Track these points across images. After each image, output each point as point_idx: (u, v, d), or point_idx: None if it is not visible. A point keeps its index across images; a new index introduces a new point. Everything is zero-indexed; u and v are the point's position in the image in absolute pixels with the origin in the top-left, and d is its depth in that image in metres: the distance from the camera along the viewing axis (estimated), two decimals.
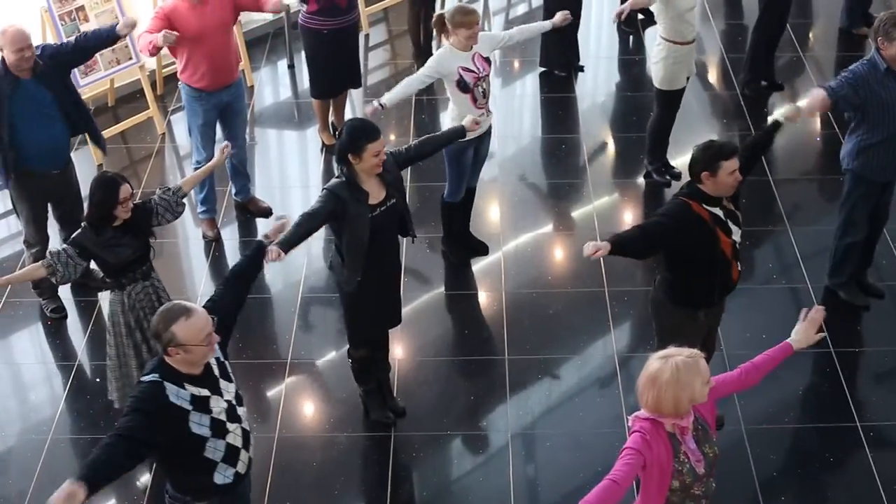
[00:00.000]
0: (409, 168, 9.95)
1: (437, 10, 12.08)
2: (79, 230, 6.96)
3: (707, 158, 6.49)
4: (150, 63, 11.25)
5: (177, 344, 5.29)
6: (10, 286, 6.91)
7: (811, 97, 7.77)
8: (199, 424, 5.40)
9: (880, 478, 7.29)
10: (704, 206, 6.55)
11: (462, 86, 8.32)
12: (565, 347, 8.38)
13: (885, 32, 7.67)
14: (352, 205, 6.80)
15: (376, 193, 6.93)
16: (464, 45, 8.28)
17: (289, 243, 6.65)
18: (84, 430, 7.84)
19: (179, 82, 9.08)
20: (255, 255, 6.36)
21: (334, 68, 10.28)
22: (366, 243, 6.90)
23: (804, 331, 5.89)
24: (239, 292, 6.10)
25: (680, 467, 5.26)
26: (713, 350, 7.40)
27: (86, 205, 7.06)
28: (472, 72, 8.31)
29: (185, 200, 7.37)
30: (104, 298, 8.38)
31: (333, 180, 6.93)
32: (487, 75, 8.42)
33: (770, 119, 7.43)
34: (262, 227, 9.66)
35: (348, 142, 6.79)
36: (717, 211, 6.59)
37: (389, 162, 7.04)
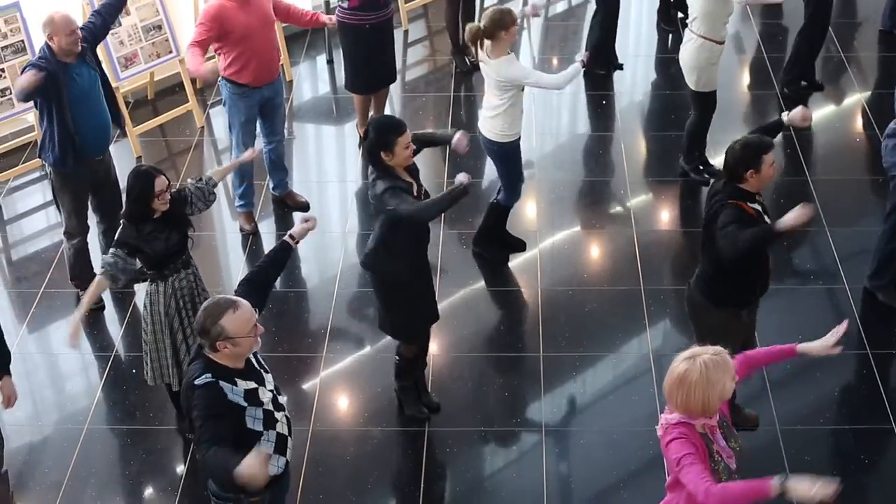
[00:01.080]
0: (448, 165, 10.03)
1: (477, 6, 12.13)
2: (119, 229, 7.00)
3: (748, 157, 6.52)
4: None
5: (226, 337, 5.32)
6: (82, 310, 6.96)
7: None
8: (253, 419, 5.45)
9: None
10: (748, 203, 6.58)
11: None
12: (600, 345, 8.37)
13: None
14: (408, 193, 6.89)
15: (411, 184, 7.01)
16: (506, 49, 8.32)
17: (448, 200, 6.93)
18: (120, 420, 7.89)
19: (221, 79, 9.10)
20: (279, 254, 6.36)
21: (374, 63, 10.29)
22: (425, 230, 7.06)
23: (822, 342, 5.82)
24: (261, 295, 6.10)
25: (715, 466, 5.25)
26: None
27: (123, 199, 7.10)
28: None
29: (216, 190, 7.43)
30: (141, 289, 8.42)
31: (386, 178, 6.89)
32: None
33: (785, 117, 7.37)
34: (299, 220, 9.65)
35: (377, 140, 6.82)
36: (757, 206, 6.62)
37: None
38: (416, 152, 7.14)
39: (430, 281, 7.43)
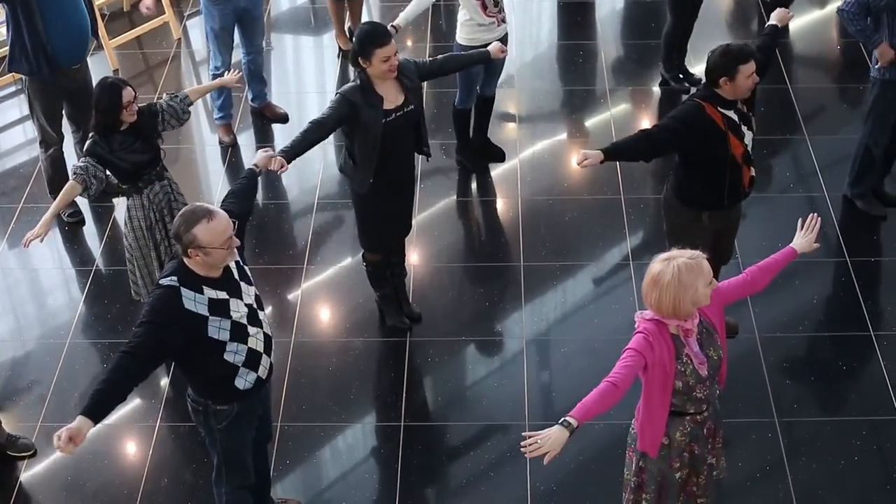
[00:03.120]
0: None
1: None
2: (89, 141, 6.97)
3: (724, 64, 6.49)
4: None
5: (197, 246, 5.29)
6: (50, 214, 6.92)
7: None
8: (218, 328, 5.42)
9: (893, 387, 7.32)
10: (719, 108, 6.56)
11: None
12: (581, 254, 8.39)
13: None
14: (364, 109, 6.80)
15: (393, 97, 6.91)
16: None
17: (293, 152, 6.74)
18: (102, 334, 7.91)
19: None
20: (249, 180, 6.34)
21: None
22: (377, 147, 6.89)
23: (804, 237, 5.89)
24: (244, 206, 6.10)
25: (683, 368, 5.29)
26: (728, 257, 7.40)
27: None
28: None
29: (191, 109, 7.37)
30: (120, 203, 8.40)
31: (348, 84, 6.92)
32: None
33: (767, 24, 7.35)
34: (279, 132, 9.65)
35: (358, 46, 6.77)
36: (732, 114, 6.60)
37: (411, 69, 7.02)
38: (434, 75, 7.28)
39: (399, 195, 7.33)
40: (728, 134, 6.59)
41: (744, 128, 6.67)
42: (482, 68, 8.62)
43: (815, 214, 5.99)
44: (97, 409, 5.14)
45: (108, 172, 6.97)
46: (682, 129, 6.58)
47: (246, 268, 5.68)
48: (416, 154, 7.31)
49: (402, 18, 8.24)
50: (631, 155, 6.80)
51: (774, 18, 7.28)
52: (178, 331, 5.31)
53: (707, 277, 5.20)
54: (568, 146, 9.50)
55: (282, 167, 6.57)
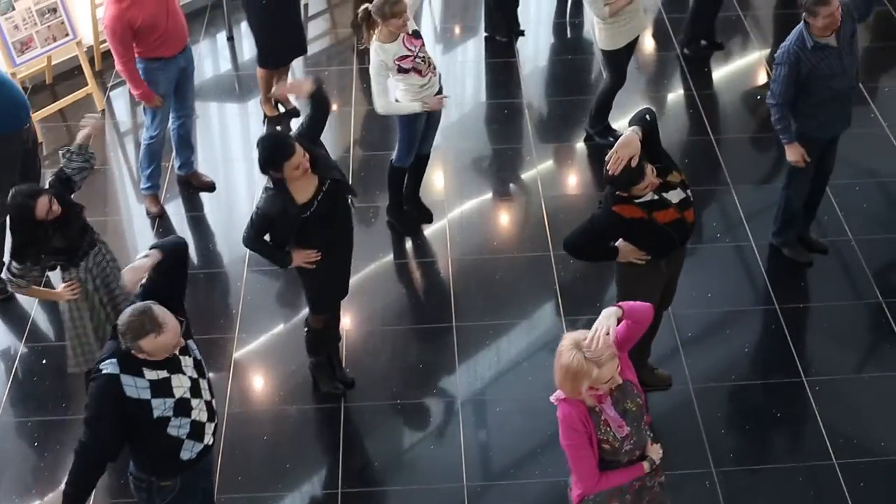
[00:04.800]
0: (353, 136, 9.99)
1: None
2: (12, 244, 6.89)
3: (620, 184, 6.46)
4: (88, 39, 11.14)
5: (139, 351, 5.27)
6: None
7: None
8: (162, 409, 5.38)
9: (827, 432, 7.38)
10: (635, 202, 6.56)
11: (403, 69, 8.30)
12: (513, 312, 8.40)
13: (809, 10, 7.69)
14: (280, 218, 6.76)
15: (306, 191, 6.81)
16: (393, 35, 8.24)
17: (278, 256, 6.98)
18: (32, 411, 7.79)
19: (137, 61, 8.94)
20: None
21: (281, 35, 10.18)
22: (292, 241, 6.92)
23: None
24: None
25: (605, 436, 5.33)
26: (671, 301, 7.41)
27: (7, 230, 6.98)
28: (407, 56, 8.26)
29: (92, 151, 7.29)
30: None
31: (264, 197, 6.82)
32: (422, 46, 8.38)
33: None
34: (207, 201, 9.61)
35: (265, 162, 6.67)
36: (649, 197, 6.57)
37: (306, 140, 6.91)
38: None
39: (341, 258, 7.31)
40: (652, 216, 6.59)
41: (665, 194, 6.64)
42: (425, 125, 8.65)
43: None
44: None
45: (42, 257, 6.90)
46: (605, 236, 6.76)
47: (191, 343, 5.62)
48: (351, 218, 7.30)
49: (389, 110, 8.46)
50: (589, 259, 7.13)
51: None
52: (122, 419, 5.30)
53: (598, 379, 5.21)
54: (496, 205, 9.54)
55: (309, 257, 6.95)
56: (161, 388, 5.37)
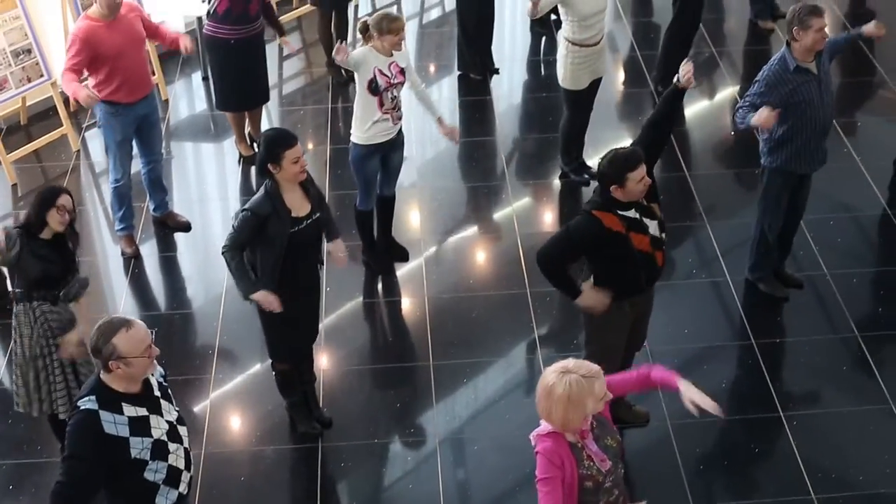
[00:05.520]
0: (329, 176, 10.00)
1: (351, 18, 12.11)
2: (14, 228, 6.95)
3: (614, 172, 6.49)
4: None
5: (118, 357, 5.23)
6: None
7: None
8: (140, 449, 5.34)
9: (805, 466, 7.38)
10: (617, 212, 6.58)
11: (373, 87, 8.32)
12: (489, 351, 8.40)
13: (800, 21, 7.74)
14: (272, 221, 6.79)
15: (300, 206, 6.92)
16: (387, 50, 8.32)
17: (250, 278, 6.92)
18: (6, 454, 7.72)
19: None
20: None
21: (242, 82, 10.22)
22: (281, 258, 6.87)
23: (698, 396, 5.82)
24: None
25: (587, 472, 5.30)
26: (642, 343, 7.44)
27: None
28: (386, 76, 8.32)
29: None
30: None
31: (255, 197, 6.90)
32: (401, 84, 8.44)
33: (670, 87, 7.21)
34: (182, 241, 9.59)
35: (266, 152, 6.79)
36: (631, 213, 6.61)
37: (311, 178, 7.04)
38: None
39: (305, 303, 7.30)
40: (629, 234, 6.61)
41: (646, 220, 6.69)
42: (380, 169, 8.68)
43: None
44: None
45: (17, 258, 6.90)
46: (579, 243, 6.68)
47: (164, 384, 5.61)
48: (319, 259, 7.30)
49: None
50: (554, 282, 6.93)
51: (682, 76, 7.11)
52: (101, 457, 5.25)
53: (598, 395, 5.20)
54: (471, 243, 9.54)
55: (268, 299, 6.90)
56: (139, 427, 5.34)
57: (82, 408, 5.29)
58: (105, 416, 5.27)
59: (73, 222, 7.03)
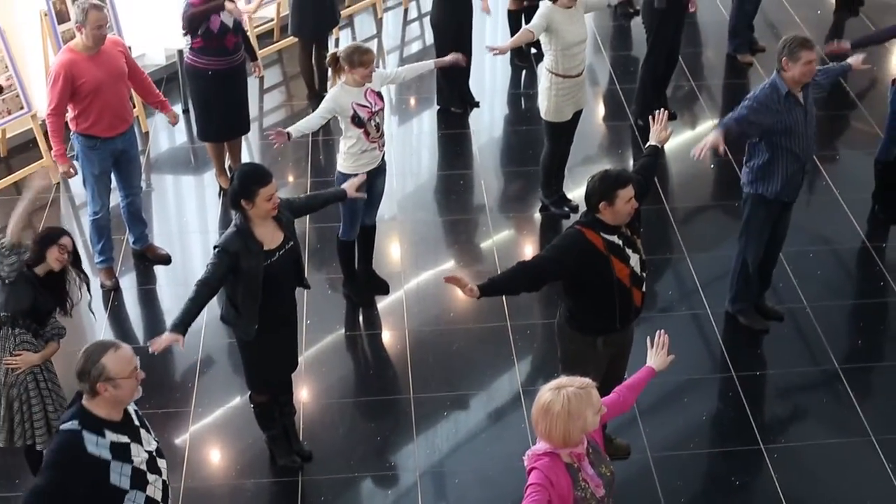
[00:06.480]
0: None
1: (331, 50, 12.12)
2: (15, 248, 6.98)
3: (603, 188, 6.53)
4: (43, 112, 11.07)
5: (106, 378, 5.21)
6: None
7: (711, 139, 7.91)
8: (119, 475, 5.30)
9: (785, 498, 7.38)
10: (602, 234, 6.60)
11: (356, 121, 8.34)
12: (470, 383, 8.38)
13: (790, 52, 7.80)
14: (244, 257, 6.78)
15: (272, 239, 6.92)
16: (358, 82, 8.34)
17: (187, 320, 6.76)
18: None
19: (72, 133, 8.98)
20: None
21: (220, 112, 10.23)
22: (260, 293, 6.87)
23: (657, 356, 6.09)
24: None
25: (582, 493, 5.28)
26: (620, 380, 7.41)
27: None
28: (366, 107, 8.34)
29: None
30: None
31: (226, 234, 6.89)
32: (381, 109, 8.47)
33: (647, 145, 7.51)
34: (162, 273, 9.57)
35: (240, 187, 6.78)
36: (615, 239, 6.63)
37: (283, 206, 7.03)
38: (302, 213, 7.43)
39: (284, 334, 7.30)
40: (611, 258, 6.62)
41: (629, 251, 6.71)
42: (366, 198, 8.67)
43: (662, 331, 6.09)
44: None
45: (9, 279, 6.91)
46: (562, 256, 6.61)
47: (143, 417, 5.59)
48: (296, 288, 7.29)
49: (294, 129, 8.32)
50: (512, 289, 6.83)
51: (654, 139, 7.42)
52: (81, 477, 5.21)
53: (596, 406, 5.22)
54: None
55: (176, 342, 6.73)
56: (120, 452, 5.32)
57: (64, 429, 5.28)
58: (88, 436, 5.25)
59: (79, 263, 7.19)
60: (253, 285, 6.83)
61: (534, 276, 6.67)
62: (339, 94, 8.36)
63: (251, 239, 6.80)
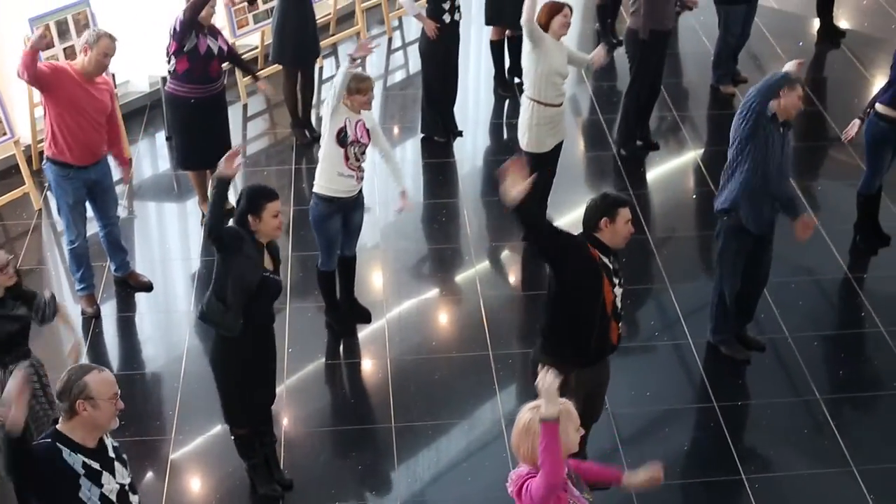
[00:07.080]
0: (291, 238, 9.99)
1: (316, 79, 12.15)
2: None
3: (606, 206, 6.66)
4: (26, 138, 11.09)
5: (87, 396, 5.21)
6: None
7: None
8: (88, 493, 5.29)
9: None
10: (598, 252, 6.67)
11: (341, 137, 8.34)
12: (452, 412, 8.37)
13: (789, 82, 7.87)
14: (248, 244, 6.87)
15: (266, 262, 7.02)
16: (356, 109, 8.40)
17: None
18: None
19: (45, 163, 8.96)
20: None
21: (203, 140, 10.20)
22: (253, 286, 6.89)
23: (639, 476, 5.86)
24: None
25: None
26: (598, 415, 7.41)
27: None
28: (354, 132, 8.37)
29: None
30: None
31: (238, 233, 6.97)
32: (365, 145, 8.47)
33: None
34: (143, 301, 9.54)
35: (247, 203, 6.88)
36: (608, 261, 6.71)
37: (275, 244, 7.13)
38: None
39: (263, 364, 7.30)
40: (603, 275, 6.67)
41: (615, 279, 6.75)
42: (341, 229, 8.68)
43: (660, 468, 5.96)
44: None
45: None
46: (574, 240, 6.69)
47: (119, 451, 5.56)
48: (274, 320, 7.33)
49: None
50: (538, 224, 6.76)
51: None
52: (56, 483, 5.22)
53: (576, 422, 5.24)
54: (434, 305, 9.54)
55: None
56: (91, 474, 5.31)
57: (41, 443, 5.32)
58: (63, 448, 5.27)
59: (20, 281, 7.10)
60: (250, 273, 6.89)
61: (557, 230, 6.72)
62: (340, 107, 8.40)
63: (252, 239, 6.92)
